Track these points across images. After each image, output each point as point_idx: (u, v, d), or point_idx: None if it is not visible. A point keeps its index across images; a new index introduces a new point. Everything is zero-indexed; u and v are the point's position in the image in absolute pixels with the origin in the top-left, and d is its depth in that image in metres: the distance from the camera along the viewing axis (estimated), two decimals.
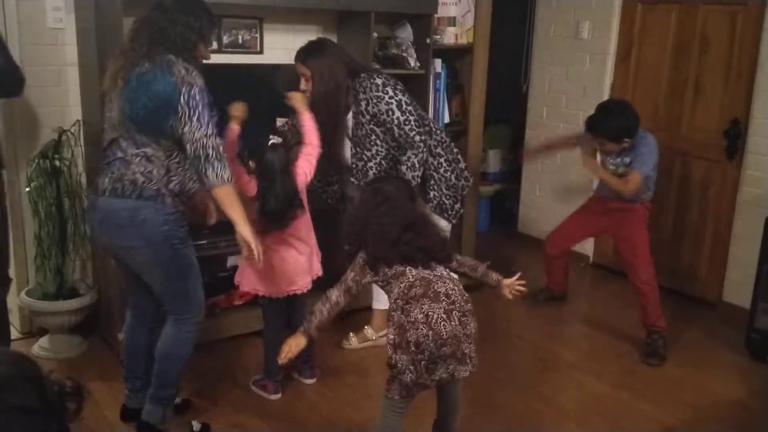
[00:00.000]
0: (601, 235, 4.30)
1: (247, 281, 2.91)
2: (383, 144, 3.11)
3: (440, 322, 2.13)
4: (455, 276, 2.35)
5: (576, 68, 4.66)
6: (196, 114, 2.26)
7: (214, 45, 3.49)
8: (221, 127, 2.63)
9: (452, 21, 4.16)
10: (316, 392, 3.04)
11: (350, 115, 3.13)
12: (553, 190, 4.94)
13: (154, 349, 2.57)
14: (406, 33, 3.91)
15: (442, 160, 3.27)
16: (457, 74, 4.32)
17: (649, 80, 4.33)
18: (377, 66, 3.74)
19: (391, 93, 3.03)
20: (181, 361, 2.57)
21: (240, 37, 3.60)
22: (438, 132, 3.30)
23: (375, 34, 3.71)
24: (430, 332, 2.12)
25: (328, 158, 3.13)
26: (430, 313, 2.14)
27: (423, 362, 2.13)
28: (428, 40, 3.84)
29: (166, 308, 2.52)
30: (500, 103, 5.07)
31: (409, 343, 2.13)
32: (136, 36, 2.37)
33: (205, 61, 2.47)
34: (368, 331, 3.46)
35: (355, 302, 3.67)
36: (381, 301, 3.38)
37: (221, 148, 2.33)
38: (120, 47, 2.45)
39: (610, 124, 3.35)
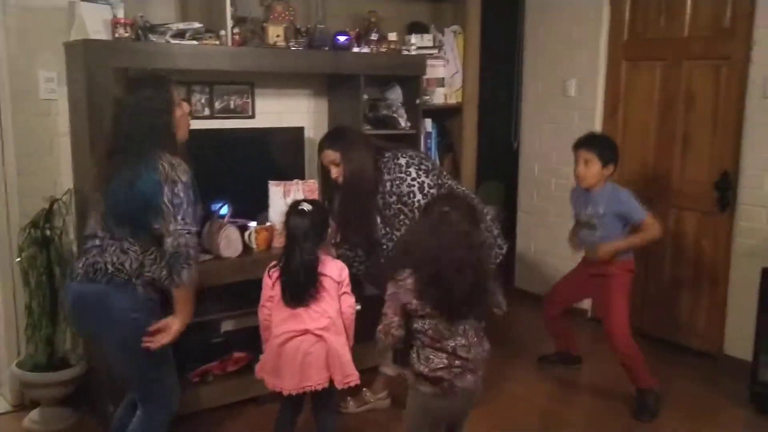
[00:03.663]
0: None
1: (260, 369, 2.69)
2: (411, 223, 2.99)
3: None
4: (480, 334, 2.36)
5: (565, 125, 4.70)
6: (181, 212, 2.23)
7: (206, 111, 3.54)
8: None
9: (441, 82, 4.24)
10: None
11: (378, 195, 3.02)
12: (548, 247, 4.93)
13: None
14: (395, 94, 3.97)
15: None
16: (448, 133, 4.37)
17: (638, 135, 4.37)
18: (368, 127, 3.78)
19: (413, 174, 2.95)
20: None
21: (232, 102, 3.64)
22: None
23: (365, 96, 3.76)
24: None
25: (364, 239, 3.10)
26: (432, 357, 2.30)
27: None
28: (418, 101, 3.89)
29: (136, 396, 2.43)
30: (492, 161, 5.11)
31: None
32: (112, 141, 2.33)
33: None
34: (367, 394, 3.39)
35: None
36: (390, 366, 3.32)
37: (197, 250, 2.31)
38: (103, 150, 2.40)
39: (605, 141, 3.49)
